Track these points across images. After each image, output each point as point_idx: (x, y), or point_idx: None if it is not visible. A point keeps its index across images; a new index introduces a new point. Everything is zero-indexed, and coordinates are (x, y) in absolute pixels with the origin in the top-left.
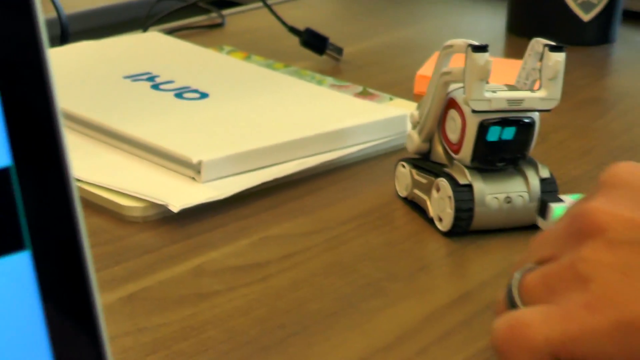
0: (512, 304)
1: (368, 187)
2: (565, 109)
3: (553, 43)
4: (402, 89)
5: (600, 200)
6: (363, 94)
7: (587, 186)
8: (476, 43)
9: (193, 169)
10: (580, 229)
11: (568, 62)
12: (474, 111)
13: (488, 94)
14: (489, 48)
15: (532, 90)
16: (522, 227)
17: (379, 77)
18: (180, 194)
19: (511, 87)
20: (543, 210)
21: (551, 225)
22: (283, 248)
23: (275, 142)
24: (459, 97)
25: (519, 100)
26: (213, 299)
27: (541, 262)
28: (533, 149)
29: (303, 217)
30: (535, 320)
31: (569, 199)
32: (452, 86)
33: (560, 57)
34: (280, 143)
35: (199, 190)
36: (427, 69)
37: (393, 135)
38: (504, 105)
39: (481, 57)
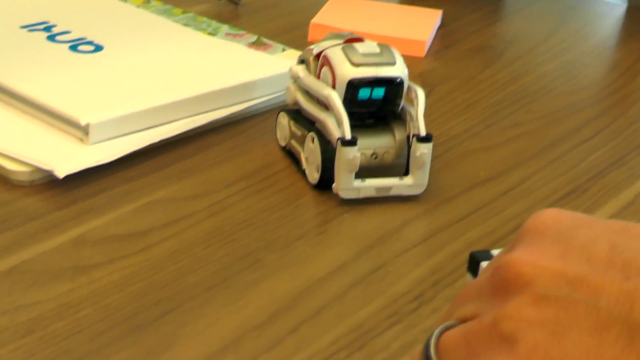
0: None
1: (256, 144)
2: (453, 59)
3: (422, 134)
4: (297, 35)
5: (525, 251)
6: (257, 44)
7: (469, 144)
8: (347, 137)
9: (81, 131)
10: (503, 283)
11: (460, 8)
12: (343, 200)
13: (357, 183)
14: None
15: (401, 177)
16: (400, 196)
17: (275, 21)
18: (67, 158)
19: (385, 48)
20: (473, 267)
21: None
22: (167, 214)
23: (163, 101)
24: (332, 55)
25: (387, 188)
26: (92, 273)
27: (463, 320)
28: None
29: (190, 178)
30: None
31: None
32: (325, 44)
33: (427, 148)
34: (169, 103)
35: (86, 153)
36: (321, 17)
37: (281, 90)
38: (372, 193)
39: (350, 151)
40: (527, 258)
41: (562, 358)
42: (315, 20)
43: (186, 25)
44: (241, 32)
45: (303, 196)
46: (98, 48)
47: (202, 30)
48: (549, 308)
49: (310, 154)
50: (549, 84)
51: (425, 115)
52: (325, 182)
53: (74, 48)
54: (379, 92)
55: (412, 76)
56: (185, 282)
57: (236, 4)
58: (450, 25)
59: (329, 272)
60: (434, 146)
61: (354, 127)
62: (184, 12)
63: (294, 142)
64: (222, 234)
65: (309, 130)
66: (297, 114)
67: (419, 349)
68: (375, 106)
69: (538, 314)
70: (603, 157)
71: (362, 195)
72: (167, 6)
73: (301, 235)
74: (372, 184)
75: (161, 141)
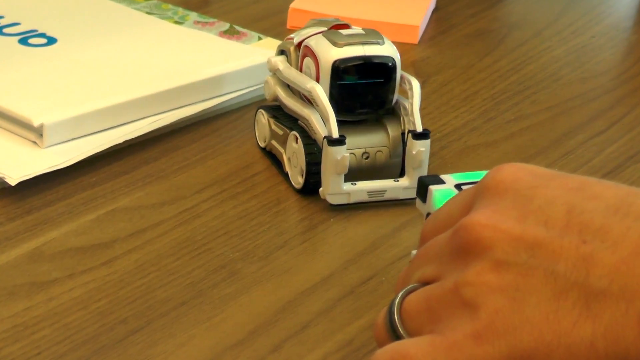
0: (393, 330)
1: (229, 145)
2: (449, 46)
3: (418, 130)
4: (274, 21)
5: (485, 213)
6: (229, 33)
7: (468, 140)
8: (335, 135)
9: (35, 132)
10: (464, 246)
11: None
12: (332, 206)
13: (346, 187)
14: None
15: (396, 179)
16: (391, 199)
17: (250, 7)
18: (20, 163)
19: (372, 33)
20: (422, 192)
21: (431, 209)
22: (132, 224)
23: (126, 98)
24: (314, 43)
25: (381, 191)
26: (50, 290)
27: (425, 282)
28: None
29: (156, 184)
30: (419, 353)
31: (451, 180)
32: (306, 33)
33: (424, 146)
34: (132, 100)
35: (41, 156)
36: (301, 1)
37: (258, 84)
38: (364, 198)
39: (338, 151)
40: (486, 221)
41: (522, 324)
42: (295, 5)
43: (150, 13)
44: (212, 19)
45: (285, 201)
46: (51, 41)
47: (168, 18)
48: (508, 274)
49: (293, 156)
50: (557, 72)
51: (420, 109)
52: (311, 187)
53: (24, 41)
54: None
55: (404, 65)
56: (154, 297)
57: None
58: (446, 8)
59: (314, 284)
60: (430, 143)
61: (342, 123)
62: None
63: (274, 143)
64: (194, 244)
65: (291, 129)
66: (278, 111)
67: (382, 313)
68: (365, 94)
69: (498, 280)
70: (619, 152)
71: (352, 200)
72: None
73: (283, 243)
74: (364, 188)
75: (124, 142)
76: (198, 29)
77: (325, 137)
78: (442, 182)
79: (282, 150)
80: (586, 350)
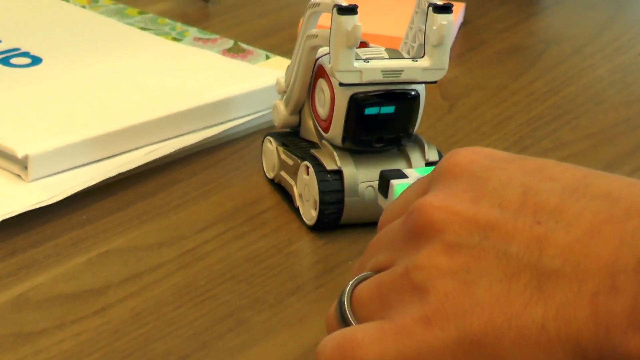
0: (343, 319)
1: (235, 178)
2: (479, 64)
3: (439, 2)
4: (283, 37)
5: (438, 195)
6: (233, 51)
7: None
8: (343, 4)
9: (19, 164)
10: (416, 230)
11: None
12: (341, 84)
13: (359, 64)
14: None
15: (414, 58)
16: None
17: (256, 21)
18: (2, 199)
19: (393, 53)
20: (384, 187)
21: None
22: (127, 267)
23: (119, 126)
24: (328, 65)
25: (397, 72)
26: (37, 341)
27: (378, 269)
28: (436, 121)
29: (153, 222)
30: (367, 339)
31: (414, 174)
32: (321, 51)
33: (446, 19)
34: (126, 127)
35: (25, 192)
36: None
37: (266, 109)
38: (378, 77)
39: (349, 20)
40: (439, 203)
41: (472, 307)
42: None
43: (144, 29)
44: (214, 36)
45: (297, 240)
46: (36, 60)
47: (165, 35)
48: (460, 256)
49: (304, 188)
50: (600, 94)
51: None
52: (326, 220)
53: (5, 61)
54: (389, 108)
55: (429, 87)
56: (152, 350)
57: (206, 1)
58: (475, 22)
59: None
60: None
61: (360, 154)
62: (141, 13)
63: (284, 174)
64: (196, 290)
65: (303, 159)
66: (288, 138)
67: (333, 304)
68: (383, 126)
69: (449, 262)
70: None
71: (365, 79)
72: (120, 5)
73: (296, 289)
74: (378, 66)
75: (118, 175)
76: (199, 47)
77: (335, 5)
78: (404, 176)
79: (292, 182)
80: (537, 333)
